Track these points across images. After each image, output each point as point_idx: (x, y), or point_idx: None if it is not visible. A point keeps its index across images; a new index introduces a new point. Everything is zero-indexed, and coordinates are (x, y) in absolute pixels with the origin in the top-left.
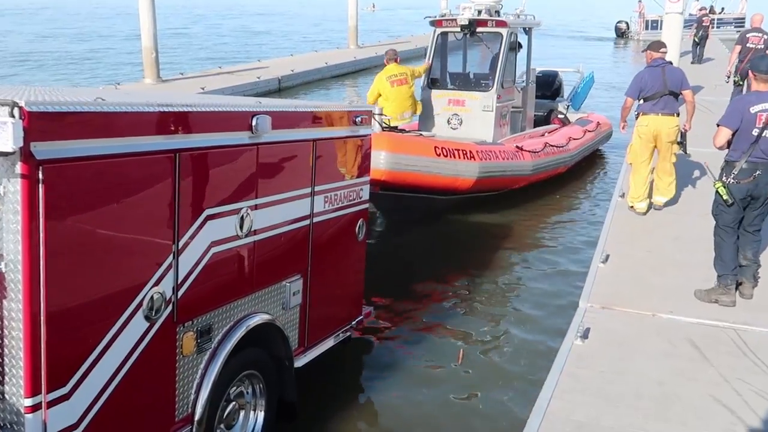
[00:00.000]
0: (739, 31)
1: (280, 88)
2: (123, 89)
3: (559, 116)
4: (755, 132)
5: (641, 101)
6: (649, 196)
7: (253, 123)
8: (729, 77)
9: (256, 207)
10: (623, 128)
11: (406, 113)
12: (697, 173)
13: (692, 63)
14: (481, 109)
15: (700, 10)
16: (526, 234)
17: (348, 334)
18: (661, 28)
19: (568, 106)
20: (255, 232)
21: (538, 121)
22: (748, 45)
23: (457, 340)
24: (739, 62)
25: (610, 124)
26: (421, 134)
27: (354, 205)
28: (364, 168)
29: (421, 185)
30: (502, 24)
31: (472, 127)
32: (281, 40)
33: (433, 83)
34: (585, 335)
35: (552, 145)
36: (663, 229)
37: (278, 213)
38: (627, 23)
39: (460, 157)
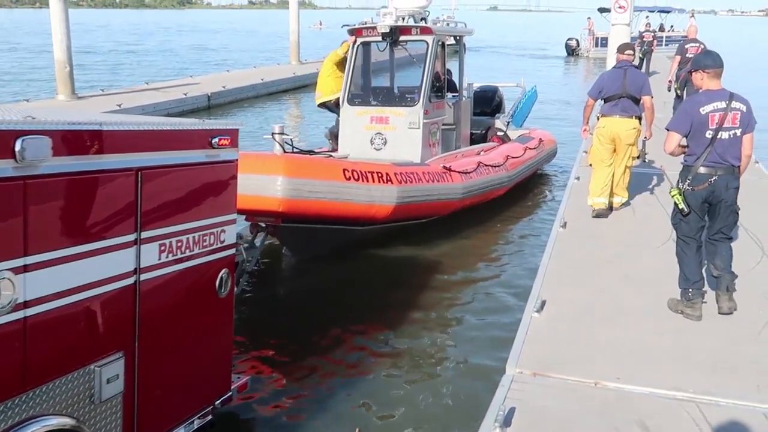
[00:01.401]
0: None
1: (210, 106)
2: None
3: (499, 134)
4: (709, 134)
5: (603, 102)
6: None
7: (17, 148)
8: (670, 86)
9: (25, 269)
10: (584, 132)
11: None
12: (647, 198)
13: None
14: (407, 126)
15: (646, 26)
16: (457, 271)
17: (208, 417)
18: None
19: (508, 123)
20: (26, 305)
21: (476, 140)
22: (687, 55)
23: (357, 413)
24: (679, 70)
25: (554, 141)
26: (330, 155)
27: (211, 252)
28: (226, 203)
29: (328, 215)
30: (427, 31)
31: (398, 146)
32: (232, 56)
33: (353, 100)
34: (507, 421)
35: (486, 165)
36: (610, 266)
37: (74, 273)
38: (577, 40)
39: (374, 181)
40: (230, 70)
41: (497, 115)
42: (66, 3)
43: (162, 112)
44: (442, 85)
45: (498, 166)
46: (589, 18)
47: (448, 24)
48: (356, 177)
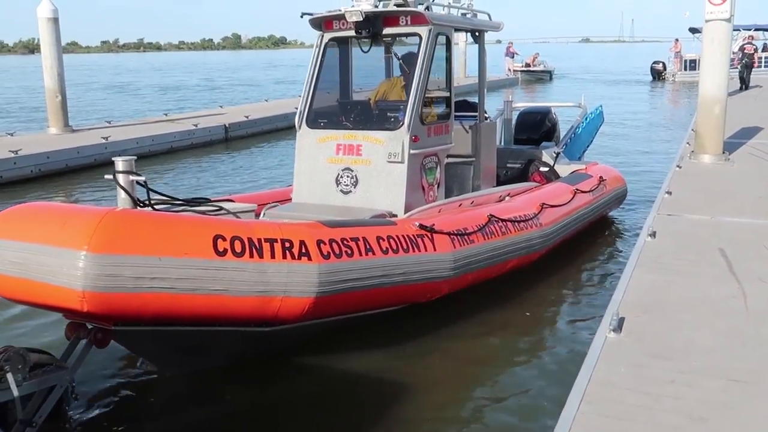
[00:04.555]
0: None
1: (228, 138)
2: None
3: (543, 169)
4: None
5: None
6: None
7: None
8: None
9: None
10: None
11: None
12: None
13: (740, 89)
14: (386, 158)
15: (748, 38)
16: (433, 399)
17: None
18: (699, 69)
19: (557, 155)
20: None
21: (511, 178)
22: None
23: None
24: None
25: (622, 180)
26: (221, 208)
27: None
28: None
29: (187, 315)
30: (419, 20)
31: (373, 188)
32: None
33: (316, 120)
34: None
35: (502, 219)
36: (699, 428)
37: None
38: (664, 64)
39: (275, 256)
40: (268, 100)
41: (543, 143)
42: (57, 26)
43: (164, 146)
44: (447, 100)
45: (523, 220)
46: (677, 40)
47: (462, 14)
48: (240, 249)
